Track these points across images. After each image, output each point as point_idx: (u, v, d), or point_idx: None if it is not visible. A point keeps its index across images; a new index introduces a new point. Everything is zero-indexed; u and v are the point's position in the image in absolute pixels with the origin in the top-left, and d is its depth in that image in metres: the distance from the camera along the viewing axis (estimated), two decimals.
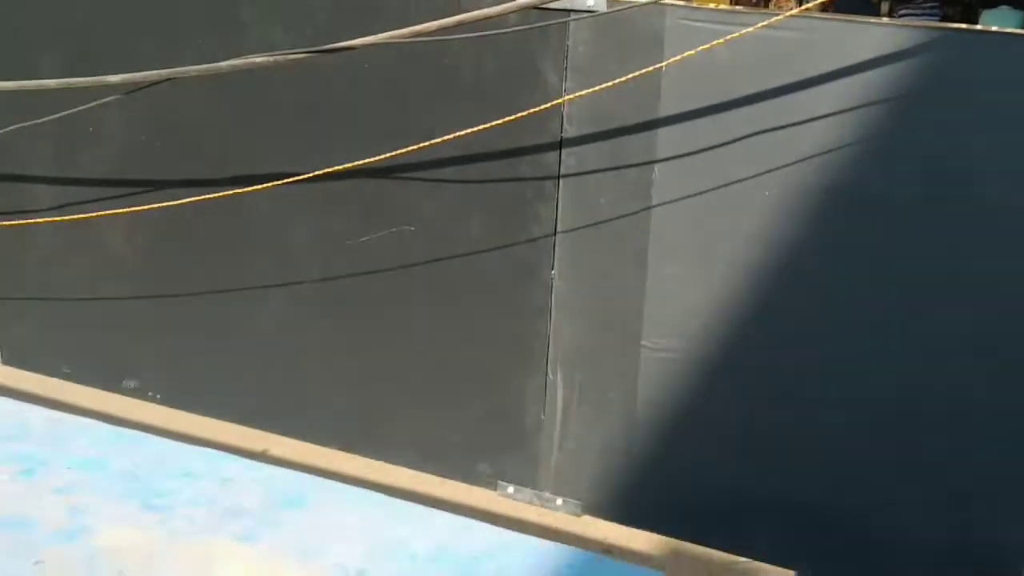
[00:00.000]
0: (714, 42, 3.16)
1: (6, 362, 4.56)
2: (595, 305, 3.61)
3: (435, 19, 3.27)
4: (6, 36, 4.31)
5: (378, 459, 4.06)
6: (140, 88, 3.66)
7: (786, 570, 3.56)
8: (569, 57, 3.45)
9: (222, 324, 4.14)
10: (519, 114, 3.38)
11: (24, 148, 4.27)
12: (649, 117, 3.39)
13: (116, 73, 3.82)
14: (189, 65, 3.80)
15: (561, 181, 3.54)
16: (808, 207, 3.25)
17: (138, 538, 3.60)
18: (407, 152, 3.53)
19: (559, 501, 3.76)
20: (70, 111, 3.91)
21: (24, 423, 4.37)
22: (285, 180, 3.74)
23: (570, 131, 3.50)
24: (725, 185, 3.32)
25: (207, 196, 3.81)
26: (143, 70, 3.87)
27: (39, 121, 3.98)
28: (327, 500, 3.87)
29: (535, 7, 3.29)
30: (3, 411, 4.48)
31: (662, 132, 3.38)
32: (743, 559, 3.61)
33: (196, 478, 4.01)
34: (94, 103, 3.84)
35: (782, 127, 3.23)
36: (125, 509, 3.78)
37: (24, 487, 3.92)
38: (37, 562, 3.42)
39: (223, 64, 3.47)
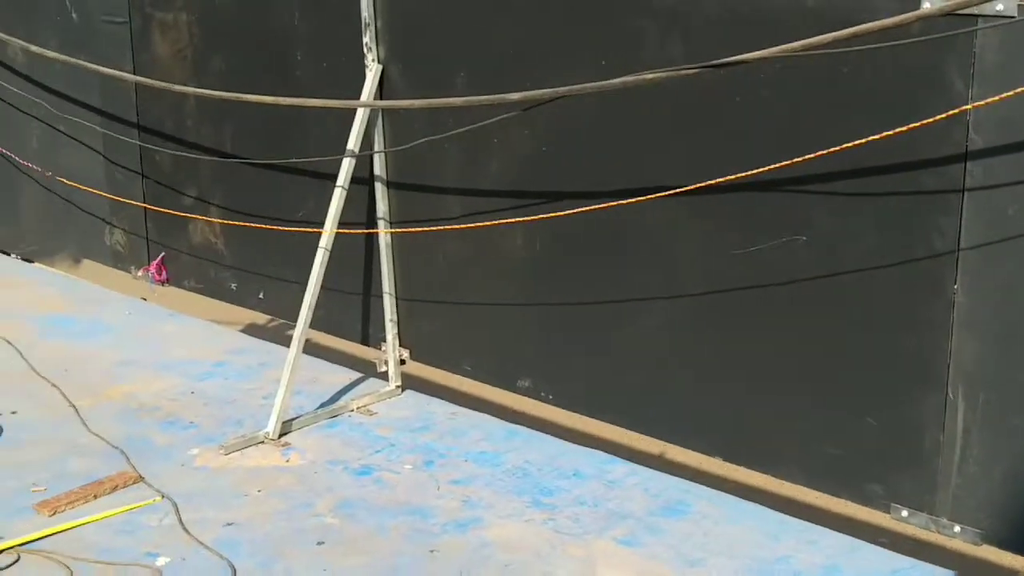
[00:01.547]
0: None
1: (415, 358, 4.87)
2: (1002, 322, 3.40)
3: (830, 31, 3.22)
4: (424, 59, 4.59)
5: (763, 472, 4.01)
6: (537, 105, 3.82)
7: None
8: (976, 64, 3.27)
9: (610, 329, 4.23)
10: (922, 122, 3.26)
11: (436, 160, 4.55)
12: None
13: (516, 89, 4.03)
14: (585, 81, 3.94)
15: (966, 192, 3.37)
16: None
17: (526, 534, 3.78)
18: (801, 162, 3.49)
19: (957, 528, 3.57)
20: (473, 125, 4.15)
21: (429, 416, 4.68)
22: (673, 191, 3.79)
23: (976, 140, 3.32)
24: None
25: (598, 206, 3.93)
26: (542, 86, 4.05)
27: (445, 135, 4.26)
28: (711, 510, 3.91)
29: (938, 15, 3.14)
30: (412, 404, 4.81)
31: None
32: None
33: (583, 479, 4.16)
34: (496, 118, 4.05)
35: None
36: (515, 504, 3.98)
37: (425, 477, 4.21)
38: (432, 551, 3.66)
39: (615, 81, 3.57)
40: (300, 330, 4.57)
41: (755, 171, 3.63)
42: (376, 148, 4.72)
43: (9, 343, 5.45)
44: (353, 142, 4.61)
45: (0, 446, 4.47)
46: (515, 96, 3.81)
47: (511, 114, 3.96)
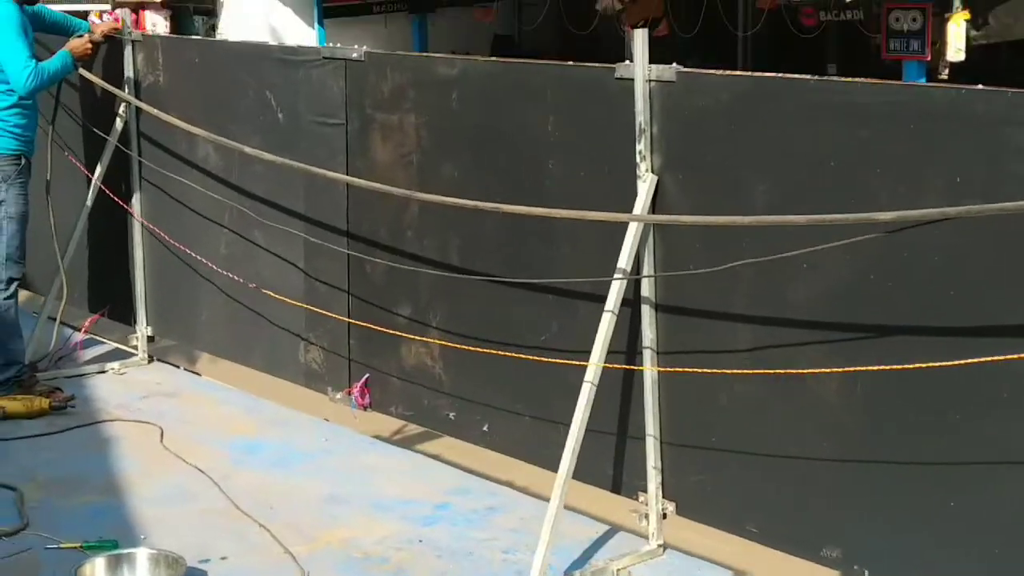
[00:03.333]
0: None
1: (680, 512, 4.20)
2: None
3: None
4: (710, 168, 4.02)
5: None
6: (913, 227, 3.20)
7: None
8: None
9: (959, 494, 3.52)
10: None
11: (722, 283, 3.94)
12: None
13: (829, 208, 3.46)
14: (929, 203, 3.35)
15: None
16: None
17: None
18: None
19: None
20: (810, 249, 3.56)
21: None
22: None
23: None
24: None
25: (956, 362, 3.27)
26: (867, 205, 3.47)
27: (767, 258, 3.68)
28: None
29: None
30: (679, 568, 4.15)
31: None
32: None
33: None
34: (845, 241, 3.43)
35: None
36: None
37: None
38: None
39: None
40: (562, 479, 3.94)
41: None
42: (645, 270, 4.13)
43: (202, 472, 4.92)
44: (625, 260, 4.03)
45: None
46: (887, 216, 3.20)
47: (872, 236, 3.35)
